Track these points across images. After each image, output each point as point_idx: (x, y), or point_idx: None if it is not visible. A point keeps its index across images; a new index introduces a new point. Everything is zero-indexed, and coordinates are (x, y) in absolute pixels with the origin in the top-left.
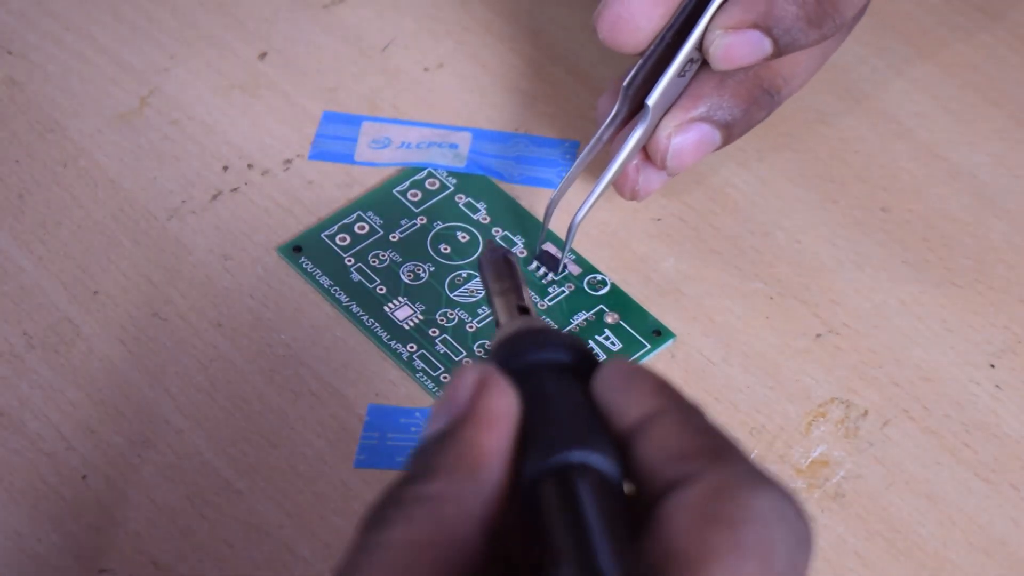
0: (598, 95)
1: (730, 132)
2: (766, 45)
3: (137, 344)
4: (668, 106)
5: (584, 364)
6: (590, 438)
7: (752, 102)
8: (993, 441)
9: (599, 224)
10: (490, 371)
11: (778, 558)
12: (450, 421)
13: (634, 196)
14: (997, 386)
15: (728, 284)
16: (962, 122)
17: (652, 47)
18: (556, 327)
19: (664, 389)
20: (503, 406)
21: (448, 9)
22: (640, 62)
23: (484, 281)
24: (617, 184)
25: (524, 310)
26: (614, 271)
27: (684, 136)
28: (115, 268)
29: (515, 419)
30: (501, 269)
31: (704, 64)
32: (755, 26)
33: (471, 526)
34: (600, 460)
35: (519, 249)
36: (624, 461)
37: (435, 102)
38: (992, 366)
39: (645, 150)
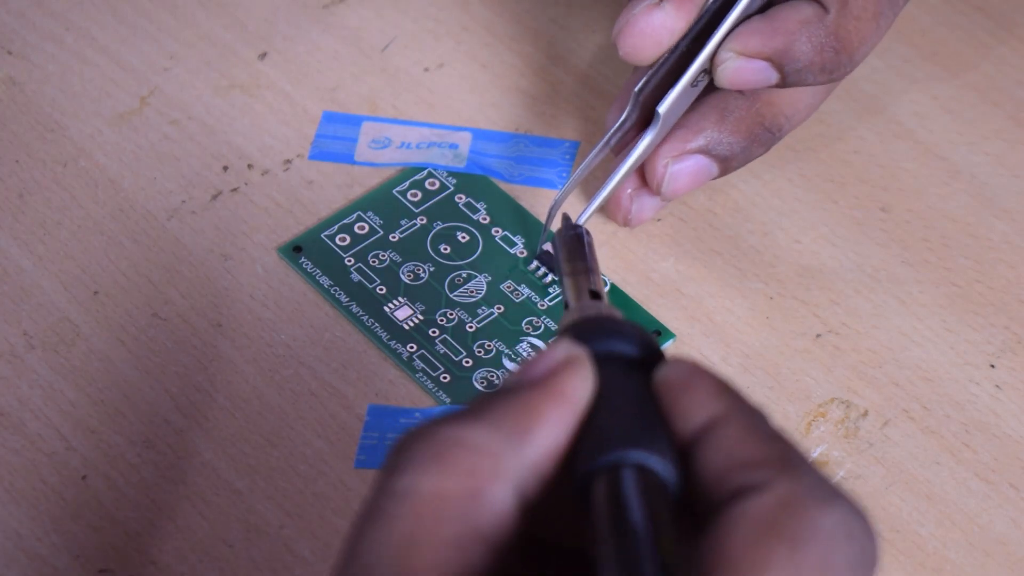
0: (598, 95)
1: (727, 165)
2: (773, 77)
3: (137, 344)
4: (679, 115)
5: (651, 359)
6: (650, 439)
7: (753, 139)
8: (993, 441)
9: (599, 224)
10: (580, 354)
11: None
12: (521, 382)
13: (627, 223)
14: (997, 386)
15: (728, 284)
16: (962, 122)
17: (666, 54)
18: (625, 318)
19: (728, 392)
20: (578, 389)
21: (448, 9)
22: (653, 68)
23: (556, 259)
24: (610, 210)
25: (596, 295)
26: (614, 271)
27: (681, 165)
28: (115, 268)
29: (584, 406)
30: (575, 249)
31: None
32: (769, 60)
33: (505, 489)
34: (658, 463)
35: (519, 249)
36: (686, 467)
37: (435, 102)
38: (992, 366)
39: (643, 177)
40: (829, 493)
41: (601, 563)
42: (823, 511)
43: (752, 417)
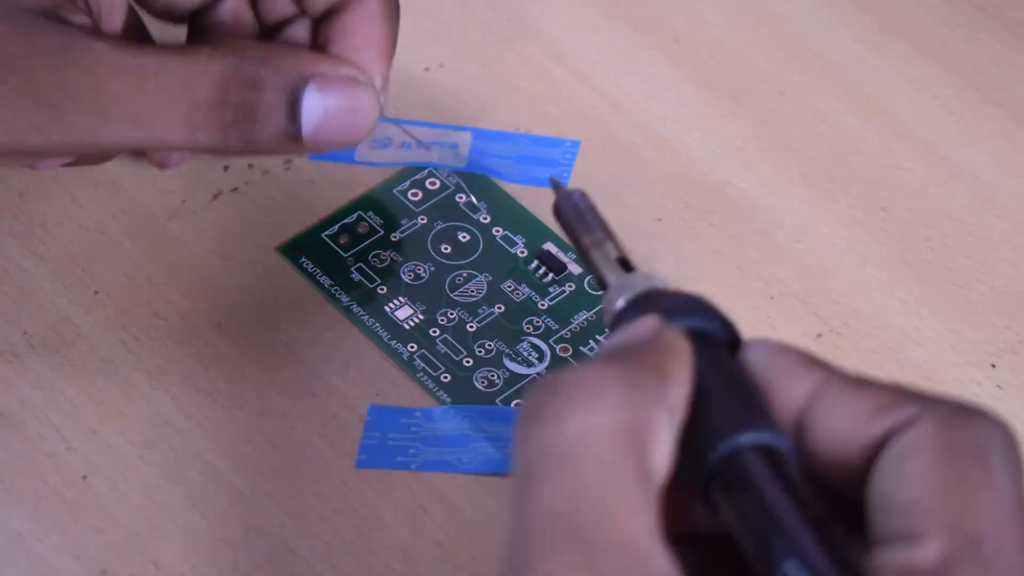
0: (598, 95)
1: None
2: None
3: (137, 344)
4: None
5: (734, 338)
6: (769, 419)
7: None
8: None
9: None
10: (673, 333)
11: (1020, 481)
12: (630, 342)
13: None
14: (998, 386)
15: (728, 284)
16: (962, 122)
17: None
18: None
19: (819, 361)
20: (684, 372)
21: (448, 9)
22: None
23: (568, 232)
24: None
25: (626, 264)
26: None
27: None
28: (115, 268)
29: (690, 390)
30: (585, 217)
31: None
32: None
33: (664, 421)
34: (783, 441)
35: (520, 249)
36: (800, 445)
37: (435, 102)
38: (993, 366)
39: None
40: (977, 408)
41: (774, 553)
42: (985, 424)
43: (852, 377)
